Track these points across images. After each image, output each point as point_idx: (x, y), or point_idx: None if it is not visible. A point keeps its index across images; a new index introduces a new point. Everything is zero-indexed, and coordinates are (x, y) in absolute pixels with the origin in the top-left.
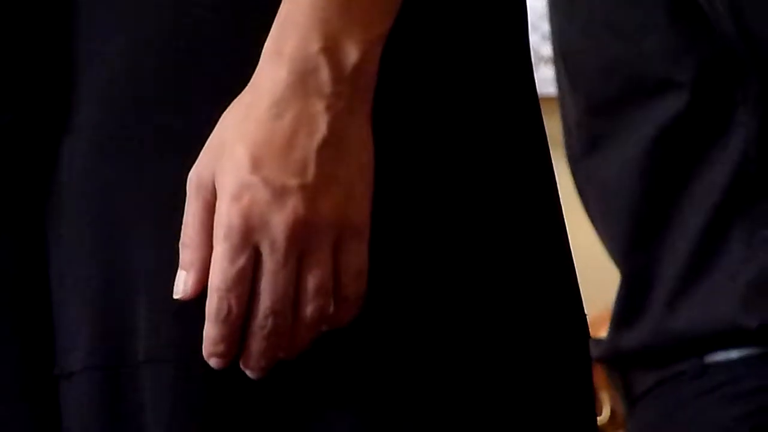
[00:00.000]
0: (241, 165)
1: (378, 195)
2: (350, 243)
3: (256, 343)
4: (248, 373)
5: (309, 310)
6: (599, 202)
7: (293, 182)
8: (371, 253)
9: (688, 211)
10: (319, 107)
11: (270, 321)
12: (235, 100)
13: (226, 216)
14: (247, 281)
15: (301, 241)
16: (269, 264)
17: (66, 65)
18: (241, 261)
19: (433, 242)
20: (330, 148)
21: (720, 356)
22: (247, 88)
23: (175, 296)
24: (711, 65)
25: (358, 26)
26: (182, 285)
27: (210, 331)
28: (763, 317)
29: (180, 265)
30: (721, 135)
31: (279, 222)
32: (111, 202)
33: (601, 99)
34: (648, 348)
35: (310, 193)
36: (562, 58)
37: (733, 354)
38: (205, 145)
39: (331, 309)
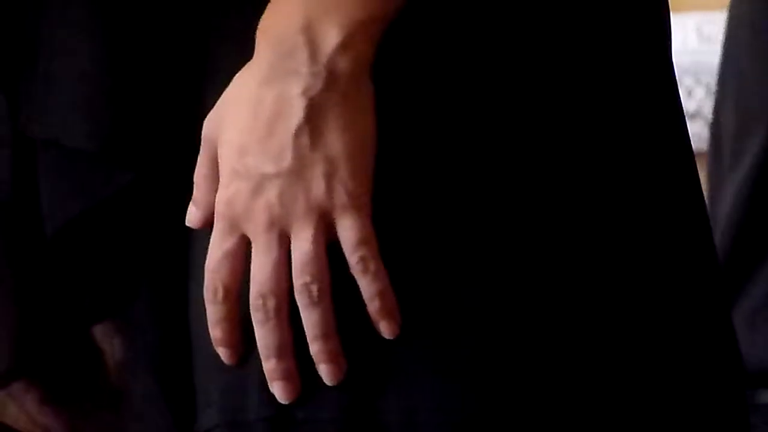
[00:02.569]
0: (231, 152)
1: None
2: (342, 218)
3: (257, 330)
4: (266, 368)
5: (297, 287)
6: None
7: (271, 169)
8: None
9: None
10: (295, 90)
11: (260, 304)
12: (241, 70)
13: (218, 203)
14: (232, 263)
15: (280, 227)
16: (254, 250)
17: (193, 121)
18: (227, 245)
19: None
20: (306, 132)
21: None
22: (248, 62)
23: (186, 223)
24: None
25: (344, 6)
26: (191, 216)
27: (207, 313)
28: None
29: (191, 199)
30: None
31: (257, 209)
32: None
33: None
34: None
35: (286, 179)
36: None
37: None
38: (219, 100)
39: (320, 286)
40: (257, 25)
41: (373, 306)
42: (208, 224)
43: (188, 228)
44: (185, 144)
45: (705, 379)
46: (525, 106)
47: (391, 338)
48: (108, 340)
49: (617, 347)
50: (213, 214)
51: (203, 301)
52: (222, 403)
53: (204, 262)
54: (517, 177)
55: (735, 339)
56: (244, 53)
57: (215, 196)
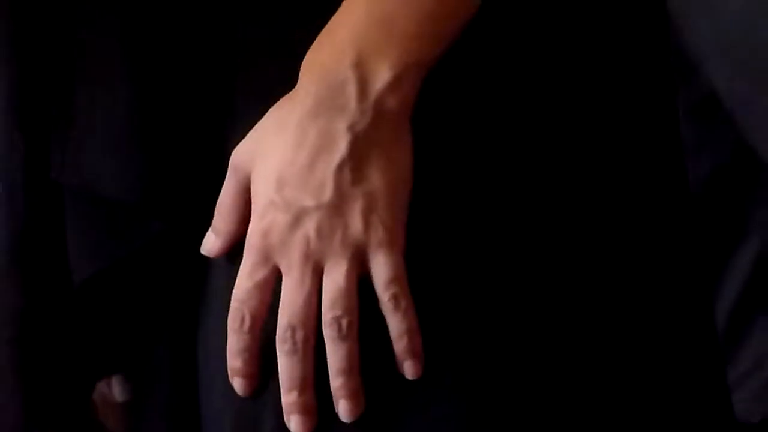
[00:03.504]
0: (269, 183)
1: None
2: (377, 255)
3: (282, 361)
4: (286, 400)
5: (327, 320)
6: None
7: (310, 203)
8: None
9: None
10: (341, 125)
11: (289, 335)
12: (279, 102)
13: (251, 233)
14: (262, 294)
15: (315, 260)
16: (287, 281)
17: (217, 171)
18: (258, 276)
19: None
20: (349, 167)
21: None
22: (289, 93)
23: (202, 251)
24: (724, 167)
25: (396, 48)
26: (209, 245)
27: (228, 342)
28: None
29: (211, 227)
30: (736, 238)
31: (294, 243)
32: None
33: None
34: None
35: (326, 213)
36: None
37: None
38: (252, 131)
39: (349, 320)
40: (285, 73)
41: (400, 345)
42: (224, 253)
43: (204, 261)
44: (208, 192)
45: (689, 381)
46: (544, 146)
47: (414, 378)
48: (105, 382)
49: (608, 365)
50: (231, 243)
51: (220, 330)
52: None
53: (222, 294)
54: (541, 218)
55: (719, 348)
56: (269, 101)
57: (237, 226)
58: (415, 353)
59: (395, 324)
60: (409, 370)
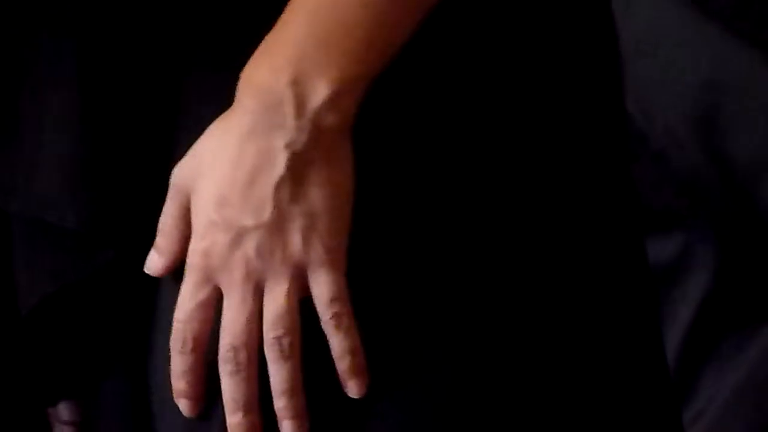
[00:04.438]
0: (209, 203)
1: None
2: (317, 274)
3: (225, 382)
4: (230, 421)
5: (268, 340)
6: None
7: (250, 222)
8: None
9: None
10: (279, 143)
11: (231, 356)
12: (218, 120)
13: (191, 253)
14: (204, 315)
15: (256, 280)
16: (228, 302)
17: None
18: (200, 296)
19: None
20: (288, 185)
21: None
22: (227, 111)
23: (145, 270)
24: (666, 206)
25: (335, 64)
26: (151, 264)
27: (172, 364)
28: None
29: (154, 246)
30: (682, 275)
31: (234, 262)
32: None
33: None
34: None
35: (266, 232)
36: None
37: None
38: (191, 149)
39: (291, 340)
40: (232, 86)
41: (343, 364)
42: (167, 273)
43: (154, 279)
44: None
45: (631, 380)
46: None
47: (359, 397)
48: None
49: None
50: (174, 262)
51: (168, 351)
52: None
53: (170, 315)
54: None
55: (663, 350)
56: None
57: (179, 245)
58: (358, 372)
59: (337, 344)
60: (352, 389)
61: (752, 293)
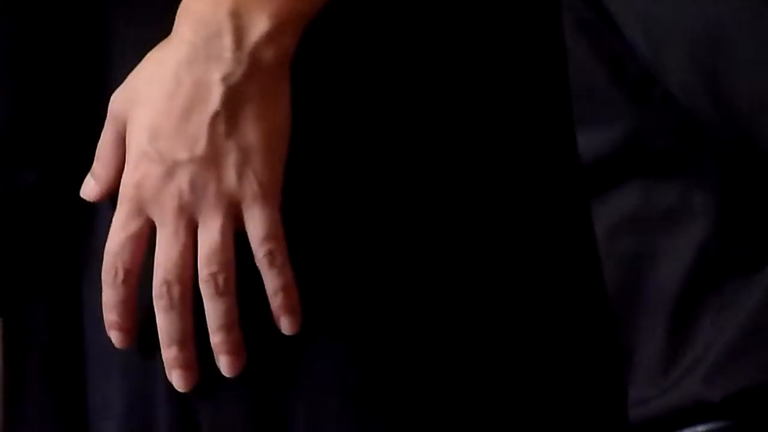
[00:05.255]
0: (142, 133)
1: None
2: (251, 209)
3: (159, 317)
4: (166, 356)
5: (203, 276)
6: None
7: (184, 156)
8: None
9: (654, 301)
10: (215, 75)
11: (165, 291)
12: (155, 49)
13: (123, 185)
14: (135, 247)
15: (189, 214)
16: (161, 235)
17: (97, 117)
18: (131, 228)
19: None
20: (223, 120)
21: None
22: (164, 40)
23: (81, 195)
24: (669, 150)
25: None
26: (88, 189)
27: (104, 296)
28: (726, 390)
29: (90, 172)
30: (681, 222)
31: (167, 195)
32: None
33: None
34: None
35: (199, 166)
36: None
37: (700, 429)
38: (129, 77)
39: (225, 276)
40: (163, 15)
41: (276, 301)
42: (102, 199)
43: (83, 233)
44: (86, 142)
45: (585, 374)
46: (431, 105)
47: (291, 335)
48: None
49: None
50: (109, 190)
51: (100, 304)
52: (125, 414)
53: (100, 267)
54: (421, 180)
55: (619, 347)
56: (148, 44)
57: (115, 173)
58: (291, 310)
59: (270, 280)
60: (285, 325)
61: (753, 237)
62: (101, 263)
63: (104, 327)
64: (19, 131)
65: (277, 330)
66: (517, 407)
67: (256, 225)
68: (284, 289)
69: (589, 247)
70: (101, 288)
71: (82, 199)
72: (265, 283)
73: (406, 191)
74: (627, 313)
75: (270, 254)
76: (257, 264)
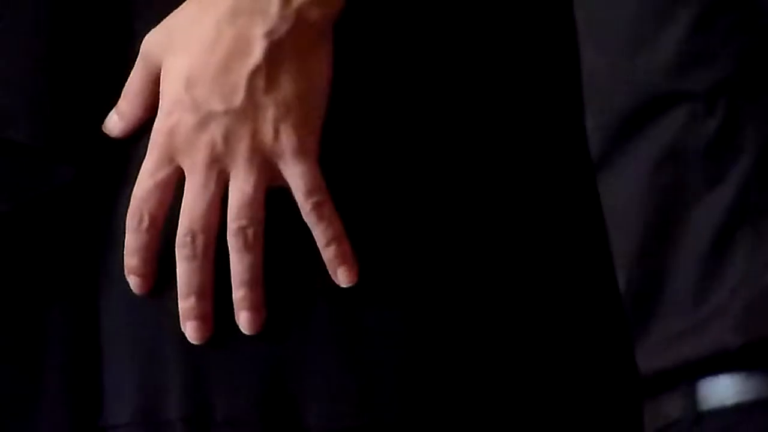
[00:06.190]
0: (178, 81)
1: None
2: (292, 165)
3: (180, 266)
4: (182, 306)
5: (232, 229)
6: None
7: (219, 107)
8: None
9: (692, 234)
10: (259, 30)
11: (189, 240)
12: None
13: (155, 131)
14: (162, 194)
15: (220, 165)
16: (189, 184)
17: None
18: (160, 175)
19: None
20: (263, 74)
21: (713, 399)
22: None
23: (103, 129)
24: (722, 83)
25: None
26: (111, 124)
27: (126, 240)
28: (748, 338)
29: (116, 107)
30: (726, 155)
31: (199, 145)
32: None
33: (610, 115)
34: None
35: (234, 118)
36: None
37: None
38: (164, 21)
39: (255, 230)
40: None
41: (329, 252)
42: (124, 136)
43: (104, 237)
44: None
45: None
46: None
47: (350, 285)
48: None
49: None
50: (133, 127)
51: (117, 308)
52: (137, 399)
53: (119, 269)
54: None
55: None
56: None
57: (140, 112)
58: (346, 259)
59: (321, 232)
60: (342, 276)
61: None
62: (121, 270)
63: (121, 329)
64: (57, 129)
65: (294, 291)
66: (530, 400)
67: (299, 180)
68: (336, 239)
69: (600, 238)
70: (119, 295)
71: (102, 199)
72: (315, 236)
73: (442, 157)
74: (663, 245)
75: (318, 206)
76: (305, 218)
